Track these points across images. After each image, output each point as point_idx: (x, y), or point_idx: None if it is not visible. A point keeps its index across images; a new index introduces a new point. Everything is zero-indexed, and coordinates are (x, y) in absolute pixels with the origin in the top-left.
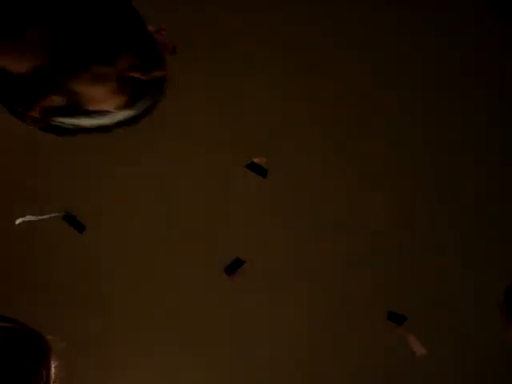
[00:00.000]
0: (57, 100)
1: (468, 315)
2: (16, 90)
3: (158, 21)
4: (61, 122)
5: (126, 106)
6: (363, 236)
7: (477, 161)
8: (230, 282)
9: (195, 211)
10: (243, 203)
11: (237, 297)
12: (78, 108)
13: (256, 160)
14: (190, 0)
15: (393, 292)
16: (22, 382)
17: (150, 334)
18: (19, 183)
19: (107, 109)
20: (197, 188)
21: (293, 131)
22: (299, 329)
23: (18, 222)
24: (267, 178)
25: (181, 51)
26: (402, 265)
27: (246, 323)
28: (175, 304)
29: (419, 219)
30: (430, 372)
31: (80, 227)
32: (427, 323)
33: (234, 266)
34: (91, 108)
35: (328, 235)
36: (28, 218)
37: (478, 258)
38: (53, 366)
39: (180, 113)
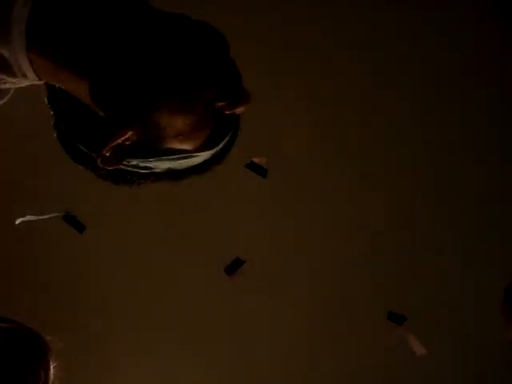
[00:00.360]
0: (133, 136)
1: (468, 315)
2: (82, 124)
3: None
4: (133, 166)
5: (205, 146)
6: (363, 236)
7: (477, 161)
8: (230, 282)
9: (195, 211)
10: (243, 203)
11: (237, 297)
12: (154, 145)
13: (256, 160)
14: (190, 0)
15: (393, 292)
16: (20, 382)
17: (149, 333)
18: (19, 183)
19: (186, 147)
20: (197, 188)
21: (293, 131)
22: (299, 329)
23: (18, 222)
24: (267, 177)
25: None
26: (401, 265)
27: (246, 323)
28: (175, 304)
29: (419, 219)
30: (430, 372)
31: (80, 227)
32: (427, 323)
33: (234, 266)
34: (169, 146)
35: (328, 235)
36: (28, 217)
37: (478, 258)
38: (52, 366)
39: None
